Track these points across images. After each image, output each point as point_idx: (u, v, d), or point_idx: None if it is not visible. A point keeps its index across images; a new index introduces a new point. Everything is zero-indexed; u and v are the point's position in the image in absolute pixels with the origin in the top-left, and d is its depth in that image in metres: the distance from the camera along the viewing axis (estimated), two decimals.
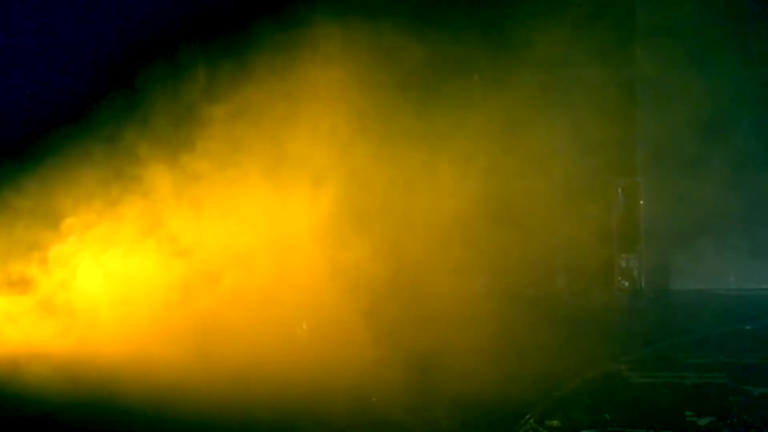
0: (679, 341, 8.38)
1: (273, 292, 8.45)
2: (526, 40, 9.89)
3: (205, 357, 7.56)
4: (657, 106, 10.63)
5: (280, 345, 7.78)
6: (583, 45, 10.46)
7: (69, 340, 8.46)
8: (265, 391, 6.69)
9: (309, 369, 7.16)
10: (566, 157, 10.95)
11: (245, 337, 7.85)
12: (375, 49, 9.38)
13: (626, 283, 10.88)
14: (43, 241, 9.03)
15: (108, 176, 9.19)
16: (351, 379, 6.95)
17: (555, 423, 6.03)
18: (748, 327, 8.94)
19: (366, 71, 9.32)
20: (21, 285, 8.99)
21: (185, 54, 9.83)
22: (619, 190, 10.87)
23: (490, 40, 9.92)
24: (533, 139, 10.43)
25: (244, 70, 9.43)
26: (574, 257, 10.80)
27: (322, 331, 8.30)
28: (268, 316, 8.20)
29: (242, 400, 6.52)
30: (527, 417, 6.13)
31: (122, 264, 9.06)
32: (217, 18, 10.08)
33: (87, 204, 9.08)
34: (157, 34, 9.92)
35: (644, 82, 10.81)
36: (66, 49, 9.94)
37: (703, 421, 5.95)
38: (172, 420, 6.16)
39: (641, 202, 10.86)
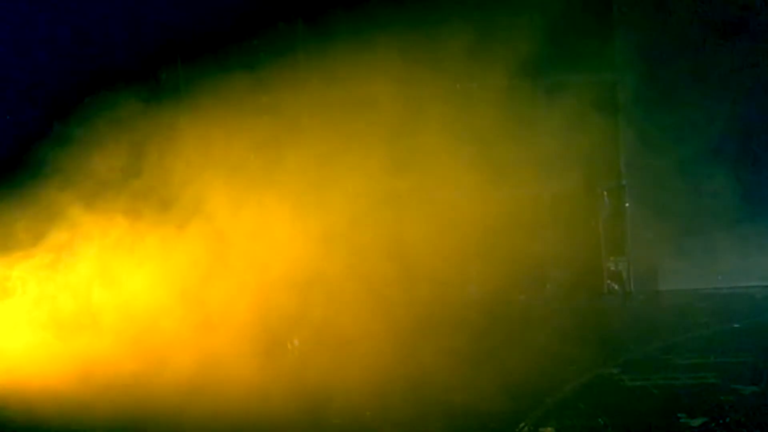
0: (670, 343, 8.41)
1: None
2: (507, 46, 9.93)
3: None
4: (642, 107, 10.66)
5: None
6: (564, 50, 10.55)
7: None
8: None
9: None
10: (551, 163, 10.96)
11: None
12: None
13: (615, 286, 10.90)
14: None
15: None
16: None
17: (549, 430, 6.04)
18: (736, 325, 8.98)
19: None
20: None
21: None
22: (605, 193, 10.90)
23: (470, 46, 9.93)
24: (517, 145, 10.45)
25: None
26: (563, 262, 10.82)
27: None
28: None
29: None
30: (521, 425, 6.14)
31: None
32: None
33: None
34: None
35: (627, 83, 10.85)
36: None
37: (696, 422, 5.98)
38: None
39: (627, 205, 10.90)
